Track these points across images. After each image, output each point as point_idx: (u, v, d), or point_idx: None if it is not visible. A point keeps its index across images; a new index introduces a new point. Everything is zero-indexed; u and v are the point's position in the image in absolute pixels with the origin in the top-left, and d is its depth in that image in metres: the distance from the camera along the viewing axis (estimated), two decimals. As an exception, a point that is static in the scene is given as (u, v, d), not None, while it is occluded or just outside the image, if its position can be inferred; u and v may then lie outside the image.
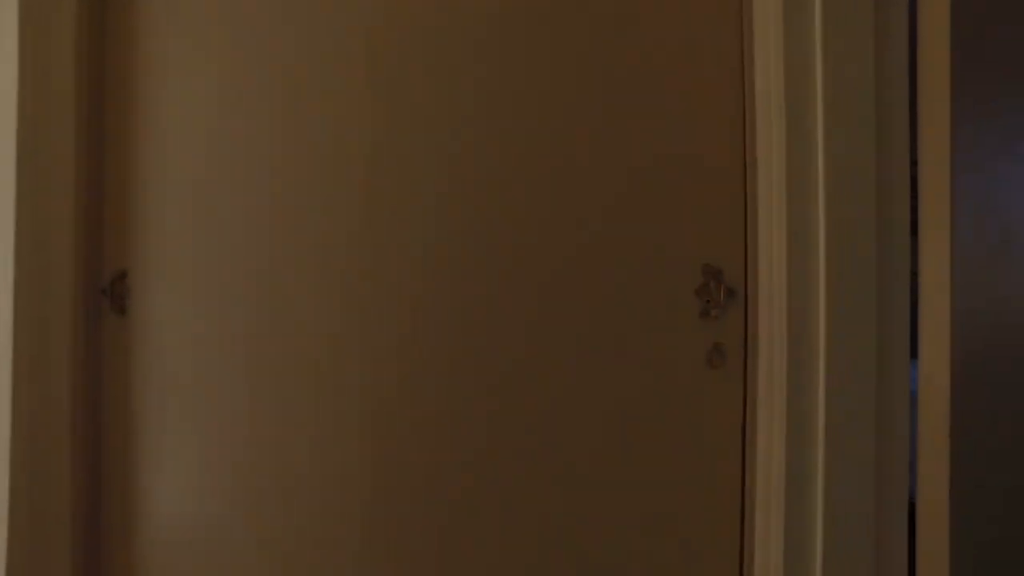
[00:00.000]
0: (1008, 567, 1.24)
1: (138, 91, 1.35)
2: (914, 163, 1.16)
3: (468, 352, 1.29)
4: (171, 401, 1.32)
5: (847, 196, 1.11)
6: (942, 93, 1.14)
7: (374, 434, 1.29)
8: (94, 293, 1.35)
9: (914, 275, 1.12)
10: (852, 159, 1.12)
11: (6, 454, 1.22)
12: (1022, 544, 1.23)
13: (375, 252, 1.29)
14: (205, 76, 1.33)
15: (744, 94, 1.26)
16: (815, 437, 1.12)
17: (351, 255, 1.30)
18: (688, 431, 1.27)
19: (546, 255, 1.28)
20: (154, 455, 1.33)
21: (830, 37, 1.14)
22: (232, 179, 1.32)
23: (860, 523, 1.14)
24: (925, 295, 1.11)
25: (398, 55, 1.29)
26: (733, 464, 1.27)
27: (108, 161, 1.36)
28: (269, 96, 1.32)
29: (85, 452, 1.32)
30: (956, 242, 1.12)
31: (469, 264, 1.29)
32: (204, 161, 1.33)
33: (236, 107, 1.32)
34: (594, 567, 1.27)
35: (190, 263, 1.33)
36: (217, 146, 1.33)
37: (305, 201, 1.31)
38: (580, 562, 1.28)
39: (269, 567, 1.30)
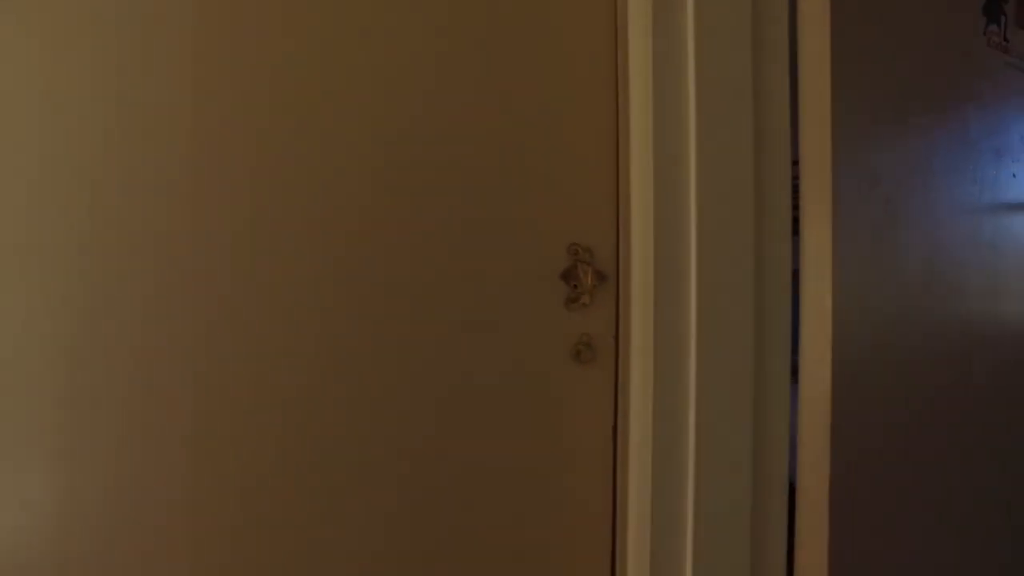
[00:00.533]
0: (885, 554, 1.19)
1: None
2: (795, 163, 1.03)
3: (301, 347, 1.07)
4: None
5: (721, 174, 0.97)
6: (822, 67, 1.01)
7: (204, 432, 1.05)
8: None
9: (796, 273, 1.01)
10: (727, 141, 0.97)
11: None
12: (901, 531, 1.19)
13: (190, 243, 1.04)
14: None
15: (617, 65, 1.09)
16: (685, 438, 0.99)
17: (160, 243, 1.03)
18: (554, 434, 1.12)
19: (388, 233, 1.07)
20: None
21: (704, 10, 0.98)
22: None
23: (735, 526, 1.03)
24: (807, 281, 1.00)
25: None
26: (604, 470, 1.13)
27: None
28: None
29: None
30: (839, 220, 1.01)
31: (301, 245, 1.06)
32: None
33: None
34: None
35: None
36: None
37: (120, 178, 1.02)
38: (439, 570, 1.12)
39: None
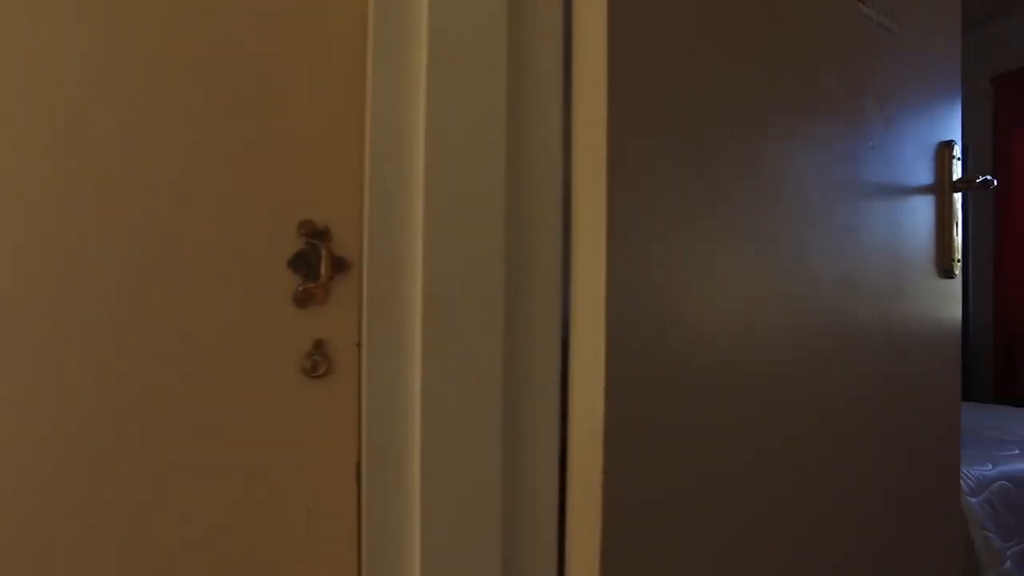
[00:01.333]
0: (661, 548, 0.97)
1: None
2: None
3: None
4: None
5: (460, 133, 0.73)
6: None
7: None
8: None
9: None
10: (469, 99, 0.73)
11: None
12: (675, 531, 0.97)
13: None
14: None
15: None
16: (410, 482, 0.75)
17: None
18: (282, 472, 0.86)
19: (49, 217, 0.79)
20: None
21: None
22: None
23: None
24: (578, 275, 0.76)
25: None
26: (348, 515, 0.88)
27: None
28: None
29: None
30: (623, 191, 0.78)
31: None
32: None
33: None
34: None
35: None
36: None
37: None
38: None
39: None
